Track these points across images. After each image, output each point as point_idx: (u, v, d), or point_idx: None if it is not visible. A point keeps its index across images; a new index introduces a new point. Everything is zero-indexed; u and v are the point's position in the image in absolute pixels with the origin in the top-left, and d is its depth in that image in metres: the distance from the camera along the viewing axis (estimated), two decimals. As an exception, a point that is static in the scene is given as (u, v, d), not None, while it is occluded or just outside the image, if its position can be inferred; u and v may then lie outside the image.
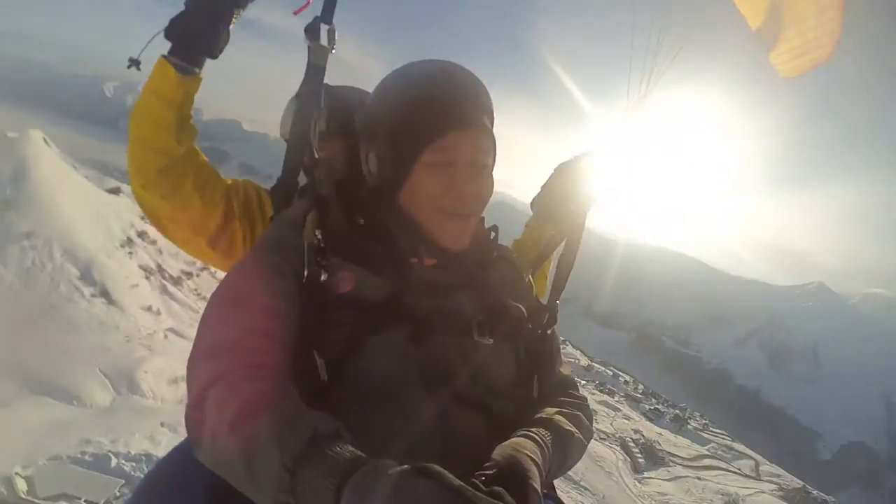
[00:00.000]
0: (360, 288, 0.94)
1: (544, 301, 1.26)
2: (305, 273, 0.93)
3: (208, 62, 1.27)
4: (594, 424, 1.16)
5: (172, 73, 1.20)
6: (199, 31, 1.20)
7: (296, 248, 0.96)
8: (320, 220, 1.00)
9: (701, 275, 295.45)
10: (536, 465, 0.81)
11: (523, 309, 1.11)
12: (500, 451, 0.82)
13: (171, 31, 1.20)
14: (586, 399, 1.16)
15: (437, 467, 0.63)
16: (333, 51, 1.23)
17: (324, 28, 1.21)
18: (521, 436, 0.89)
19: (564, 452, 0.96)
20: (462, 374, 0.95)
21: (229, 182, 1.39)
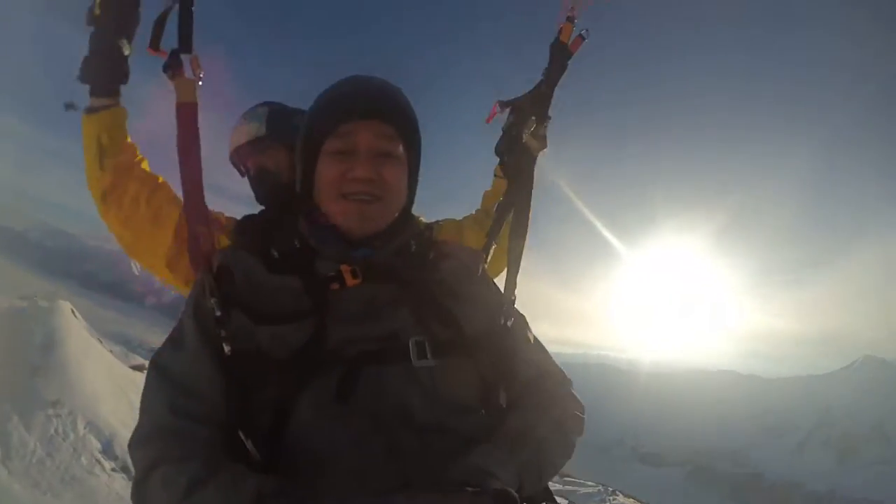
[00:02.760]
0: (274, 344, 0.90)
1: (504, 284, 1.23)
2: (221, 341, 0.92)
3: None
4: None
5: (82, 116, 1.36)
6: (97, 67, 1.32)
7: (208, 313, 0.95)
8: (219, 281, 0.98)
9: (743, 387, 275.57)
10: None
11: (478, 306, 1.06)
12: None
13: (81, 73, 1.33)
14: (569, 383, 1.09)
15: None
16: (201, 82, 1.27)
17: (185, 58, 1.26)
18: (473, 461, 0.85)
19: (538, 462, 0.92)
20: (406, 409, 0.88)
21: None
